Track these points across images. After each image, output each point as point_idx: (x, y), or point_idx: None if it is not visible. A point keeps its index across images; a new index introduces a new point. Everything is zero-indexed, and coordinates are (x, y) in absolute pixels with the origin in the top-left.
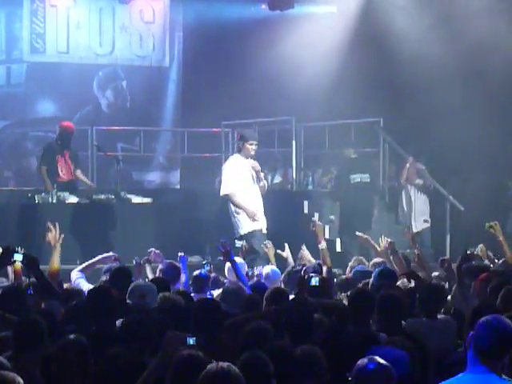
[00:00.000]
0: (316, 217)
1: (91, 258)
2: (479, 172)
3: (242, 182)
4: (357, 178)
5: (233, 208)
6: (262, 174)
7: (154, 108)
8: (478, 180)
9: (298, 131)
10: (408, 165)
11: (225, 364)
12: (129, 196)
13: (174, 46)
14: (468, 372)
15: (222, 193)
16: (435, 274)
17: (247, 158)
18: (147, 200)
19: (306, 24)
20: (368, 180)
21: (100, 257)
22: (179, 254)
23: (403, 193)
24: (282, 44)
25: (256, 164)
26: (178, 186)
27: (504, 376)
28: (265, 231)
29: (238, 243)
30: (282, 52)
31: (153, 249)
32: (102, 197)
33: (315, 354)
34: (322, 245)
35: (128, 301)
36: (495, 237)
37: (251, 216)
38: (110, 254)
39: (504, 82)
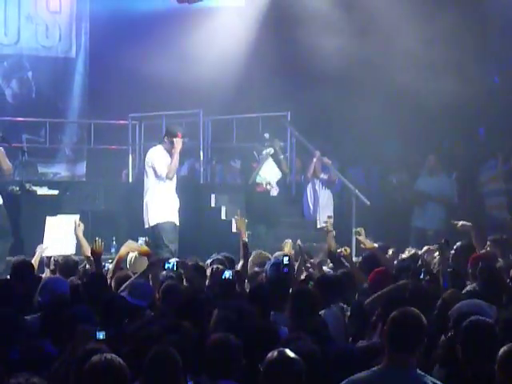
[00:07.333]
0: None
1: None
2: (382, 166)
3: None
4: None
5: (145, 199)
6: None
7: (60, 99)
8: (384, 175)
9: (205, 124)
10: (315, 159)
11: (109, 355)
12: (34, 188)
13: (81, 36)
14: (386, 365)
15: (162, 175)
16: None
17: (168, 151)
18: (53, 192)
19: (214, 17)
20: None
21: None
22: None
23: (309, 187)
24: (190, 37)
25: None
26: (84, 179)
27: (419, 371)
28: (177, 224)
29: (141, 239)
30: (190, 45)
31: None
32: (7, 188)
33: (226, 342)
34: (244, 239)
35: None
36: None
37: None
38: None
39: (406, 76)
